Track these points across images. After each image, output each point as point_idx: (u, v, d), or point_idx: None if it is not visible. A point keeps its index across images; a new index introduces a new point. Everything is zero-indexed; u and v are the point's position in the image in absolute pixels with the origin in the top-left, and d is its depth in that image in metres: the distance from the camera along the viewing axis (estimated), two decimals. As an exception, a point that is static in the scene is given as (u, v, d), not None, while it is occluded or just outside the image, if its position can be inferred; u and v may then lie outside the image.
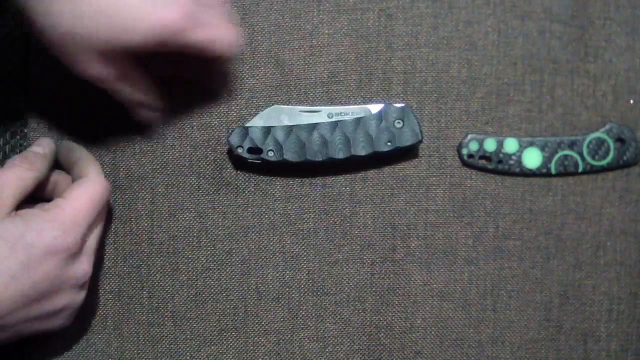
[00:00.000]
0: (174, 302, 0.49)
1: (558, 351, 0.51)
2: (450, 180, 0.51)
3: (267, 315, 0.50)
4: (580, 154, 0.51)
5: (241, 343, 0.50)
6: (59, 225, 0.40)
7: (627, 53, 0.52)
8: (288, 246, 0.50)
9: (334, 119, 0.49)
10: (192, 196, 0.49)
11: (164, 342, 0.49)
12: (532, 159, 0.51)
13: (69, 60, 0.41)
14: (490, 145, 0.51)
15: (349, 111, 0.49)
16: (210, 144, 0.50)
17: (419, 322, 0.51)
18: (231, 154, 0.49)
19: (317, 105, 0.50)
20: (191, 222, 0.49)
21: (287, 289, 0.50)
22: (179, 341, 0.50)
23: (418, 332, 0.51)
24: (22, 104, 0.49)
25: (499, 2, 0.51)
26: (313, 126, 0.48)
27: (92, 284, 0.45)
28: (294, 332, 0.50)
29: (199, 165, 0.50)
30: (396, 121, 0.48)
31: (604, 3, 0.52)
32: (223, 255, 0.50)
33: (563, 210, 0.51)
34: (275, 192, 0.50)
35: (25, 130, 0.49)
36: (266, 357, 0.50)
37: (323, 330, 0.50)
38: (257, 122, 0.48)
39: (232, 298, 0.50)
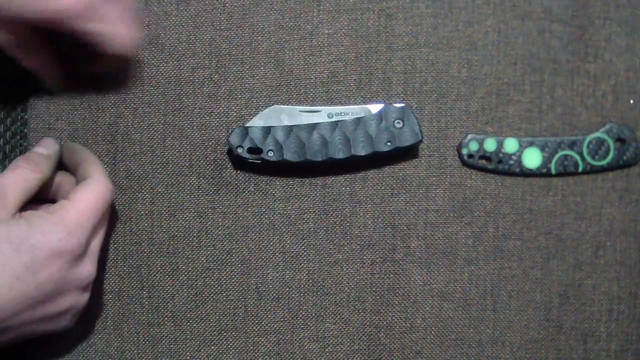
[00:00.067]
0: (174, 302, 0.49)
1: (558, 351, 0.51)
2: (450, 180, 0.51)
3: (267, 315, 0.50)
4: (580, 154, 0.51)
5: (241, 343, 0.50)
6: (64, 228, 0.40)
7: (627, 53, 0.52)
8: (288, 246, 0.50)
9: (334, 119, 0.49)
10: (192, 196, 0.49)
11: (164, 342, 0.49)
12: (532, 159, 0.51)
13: None
14: (490, 145, 0.51)
15: (349, 111, 0.49)
16: (210, 144, 0.50)
17: (419, 322, 0.51)
18: (231, 154, 0.49)
19: (317, 105, 0.50)
20: (191, 222, 0.49)
21: (287, 289, 0.50)
22: (179, 341, 0.50)
23: (418, 332, 0.50)
24: (22, 104, 0.49)
25: (499, 2, 0.51)
26: (313, 126, 0.48)
27: (94, 285, 0.45)
28: (294, 332, 0.50)
29: (199, 165, 0.50)
30: (396, 121, 0.48)
31: (604, 3, 0.52)
32: (223, 255, 0.50)
33: (563, 210, 0.51)
34: (275, 192, 0.50)
35: (25, 130, 0.49)
36: (266, 357, 0.50)
37: (323, 330, 0.50)
38: (257, 122, 0.48)
39: (232, 298, 0.50)
